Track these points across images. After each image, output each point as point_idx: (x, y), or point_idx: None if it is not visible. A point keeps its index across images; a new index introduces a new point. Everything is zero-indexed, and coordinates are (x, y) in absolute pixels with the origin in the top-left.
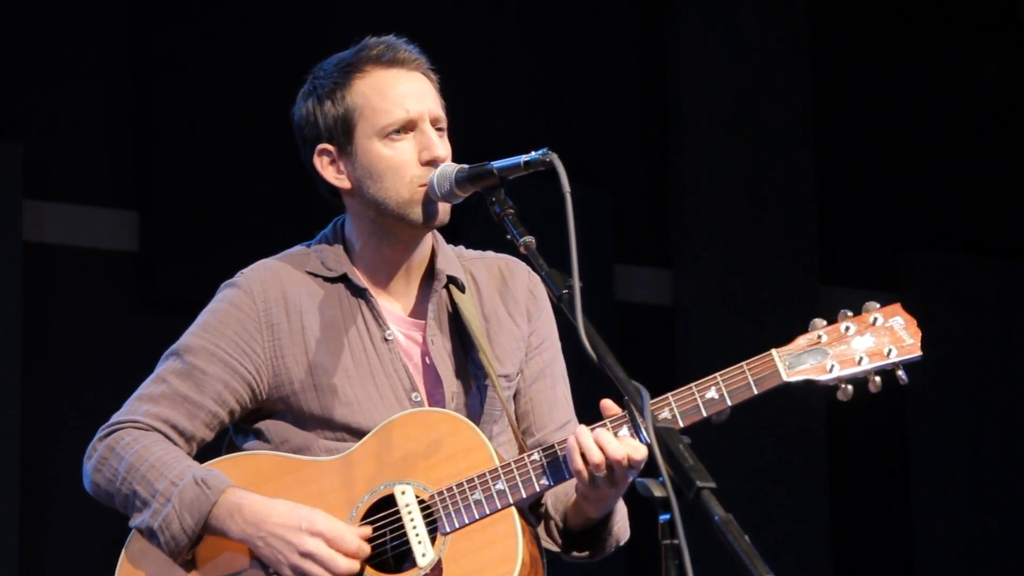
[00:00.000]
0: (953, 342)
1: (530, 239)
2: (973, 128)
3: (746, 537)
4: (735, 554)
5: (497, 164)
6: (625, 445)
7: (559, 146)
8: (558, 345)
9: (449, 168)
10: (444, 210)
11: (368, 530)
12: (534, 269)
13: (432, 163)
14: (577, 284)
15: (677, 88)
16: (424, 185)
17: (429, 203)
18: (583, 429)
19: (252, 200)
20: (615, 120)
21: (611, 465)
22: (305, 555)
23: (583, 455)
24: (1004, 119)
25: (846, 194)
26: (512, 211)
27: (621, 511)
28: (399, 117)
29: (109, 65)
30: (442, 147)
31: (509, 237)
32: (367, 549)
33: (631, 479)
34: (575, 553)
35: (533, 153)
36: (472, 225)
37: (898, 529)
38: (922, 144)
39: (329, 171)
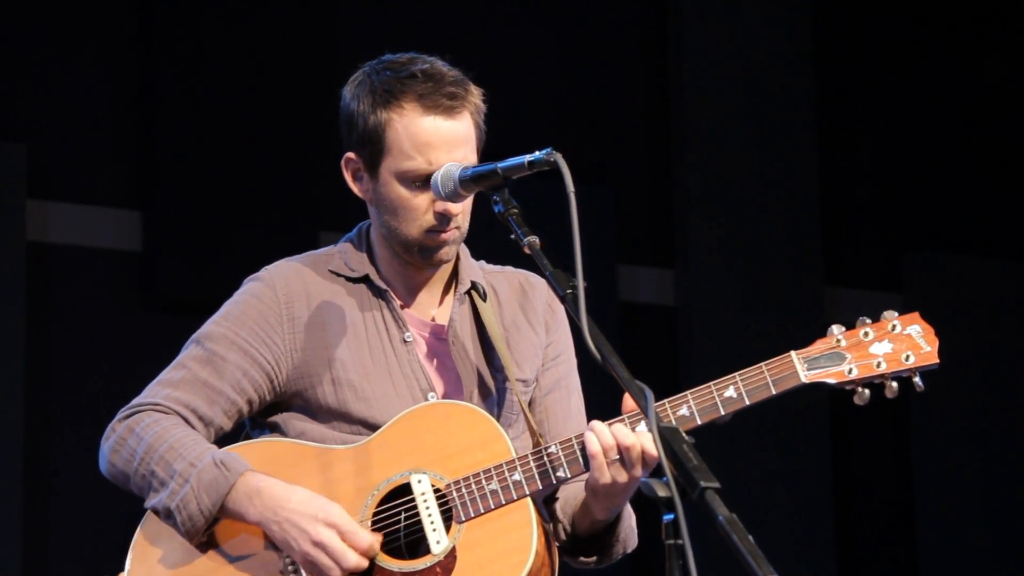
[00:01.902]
0: (956, 343)
1: (534, 239)
2: (977, 129)
3: (750, 537)
4: (739, 554)
5: (501, 164)
6: (640, 437)
7: (563, 146)
8: (574, 360)
9: (453, 168)
10: (448, 253)
11: (380, 537)
12: (539, 269)
13: (444, 218)
14: (581, 284)
15: (681, 88)
16: (433, 232)
17: (435, 250)
18: (599, 422)
19: (255, 200)
20: (619, 120)
21: (624, 454)
22: (317, 544)
23: (599, 440)
24: (1008, 120)
25: (850, 195)
26: (516, 211)
27: (629, 519)
28: (422, 170)
29: (113, 65)
30: (457, 205)
31: (513, 237)
32: (377, 548)
33: (642, 476)
34: (582, 558)
35: (537, 153)
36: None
37: (902, 529)
38: (926, 145)
39: (351, 179)
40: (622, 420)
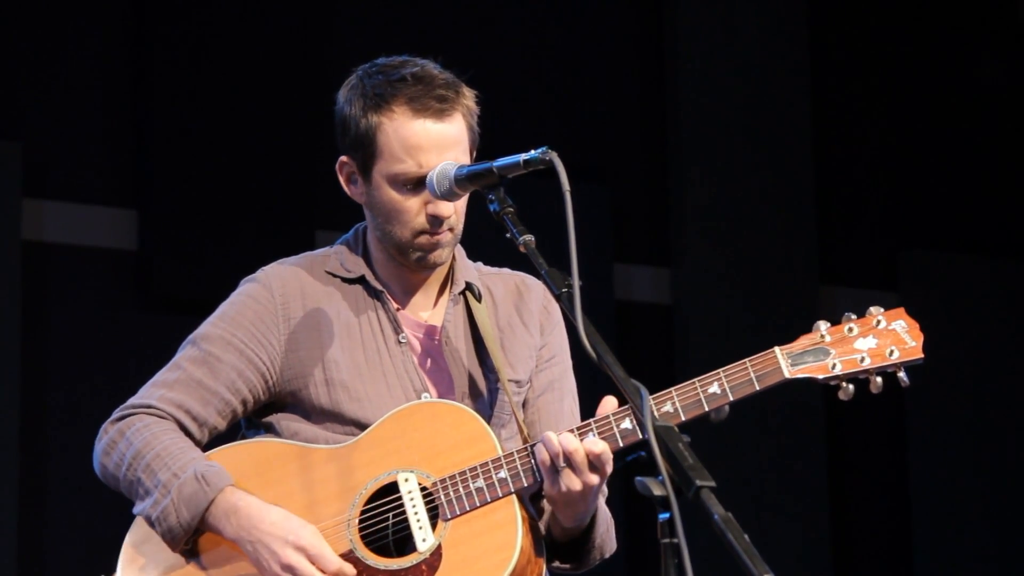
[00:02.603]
0: (952, 341)
1: (529, 238)
2: (972, 127)
3: (745, 536)
4: (735, 553)
5: (497, 163)
6: (586, 442)
7: (558, 145)
8: (569, 363)
9: (449, 166)
10: (442, 255)
11: (352, 570)
12: (534, 268)
13: (436, 220)
14: (577, 283)
15: (677, 87)
16: (424, 233)
17: (428, 252)
18: (550, 433)
19: (251, 199)
20: (615, 119)
21: (569, 458)
22: (286, 567)
23: (546, 448)
24: (1003, 118)
25: (845, 193)
26: (512, 210)
27: (604, 523)
28: (412, 173)
29: (108, 64)
30: (450, 207)
31: (508, 236)
32: (350, 572)
33: (596, 482)
34: (557, 563)
35: (532, 152)
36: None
37: (897, 528)
38: (921, 143)
39: (346, 183)
40: (571, 430)
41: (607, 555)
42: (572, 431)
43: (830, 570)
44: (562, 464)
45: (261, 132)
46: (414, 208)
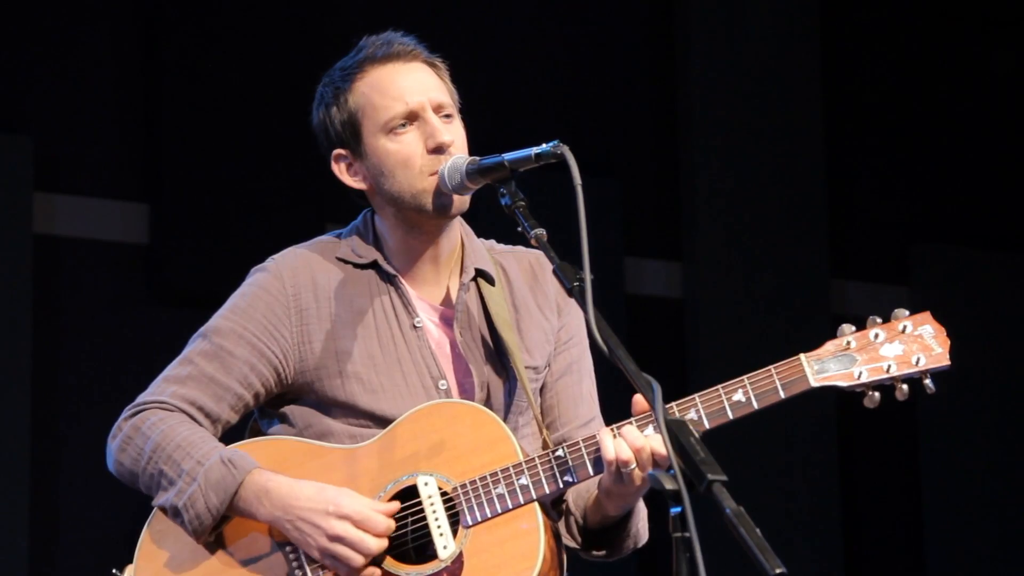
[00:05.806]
0: (964, 336)
1: (541, 232)
2: (985, 121)
3: (757, 530)
4: (746, 547)
5: (508, 156)
6: (649, 439)
7: (570, 138)
8: (586, 343)
9: (460, 160)
10: (460, 200)
11: (395, 505)
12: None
13: (438, 150)
14: (588, 277)
15: (688, 80)
16: (434, 174)
17: (441, 192)
18: (606, 430)
19: (262, 192)
20: (626, 112)
21: (635, 455)
22: (334, 538)
23: (614, 448)
24: (1016, 111)
25: (857, 187)
26: (523, 203)
27: (641, 512)
28: (399, 111)
29: (119, 58)
30: (447, 132)
31: (520, 230)
32: (392, 525)
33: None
34: (593, 552)
35: (544, 145)
36: (482, 216)
37: (909, 523)
38: (933, 137)
39: (346, 175)
40: (630, 422)
41: (640, 544)
42: (632, 424)
43: (841, 564)
44: (630, 468)
45: (271, 126)
46: (415, 150)
